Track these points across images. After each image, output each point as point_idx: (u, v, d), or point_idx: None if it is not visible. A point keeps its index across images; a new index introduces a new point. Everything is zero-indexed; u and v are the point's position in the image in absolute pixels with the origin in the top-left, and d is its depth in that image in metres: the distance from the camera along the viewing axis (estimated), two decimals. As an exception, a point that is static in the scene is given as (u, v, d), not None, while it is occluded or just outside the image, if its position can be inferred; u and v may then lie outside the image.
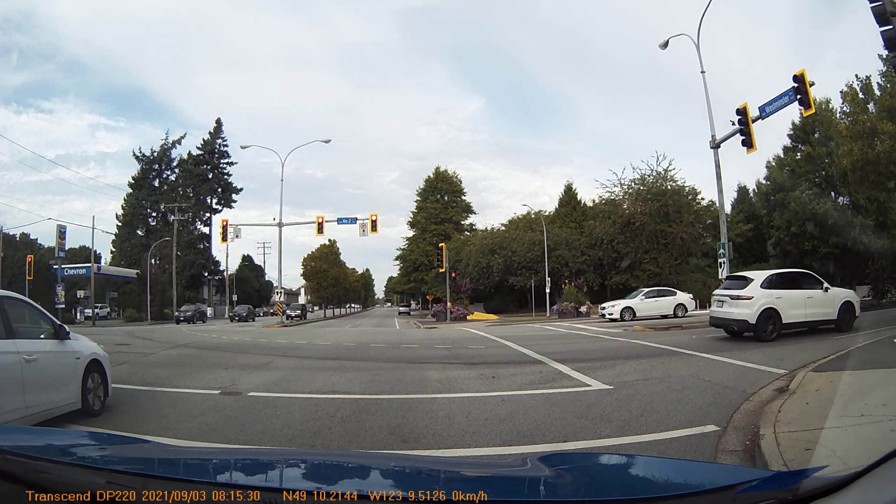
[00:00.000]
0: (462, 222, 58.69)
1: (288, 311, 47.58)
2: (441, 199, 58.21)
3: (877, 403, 4.85)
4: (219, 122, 67.95)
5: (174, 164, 65.92)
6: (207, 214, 66.12)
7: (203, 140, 67.11)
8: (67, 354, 6.17)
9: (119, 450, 2.34)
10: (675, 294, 27.62)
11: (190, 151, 66.42)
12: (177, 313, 45.26)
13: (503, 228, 48.90)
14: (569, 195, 52.03)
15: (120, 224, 63.69)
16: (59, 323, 6.31)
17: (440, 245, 42.48)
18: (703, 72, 22.28)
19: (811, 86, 17.60)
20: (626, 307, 26.38)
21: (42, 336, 5.99)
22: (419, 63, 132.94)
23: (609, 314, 26.37)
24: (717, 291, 14.61)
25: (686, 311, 26.68)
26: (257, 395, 7.80)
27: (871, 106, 19.97)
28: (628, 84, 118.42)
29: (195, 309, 46.61)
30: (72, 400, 6.00)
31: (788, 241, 40.47)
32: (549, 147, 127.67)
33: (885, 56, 17.78)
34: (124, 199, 63.85)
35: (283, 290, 40.37)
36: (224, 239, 36.97)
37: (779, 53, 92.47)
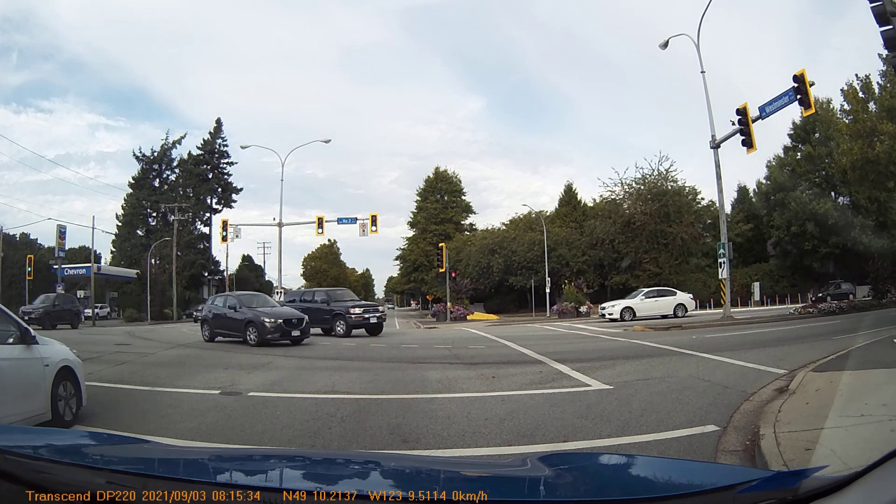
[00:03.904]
0: (462, 222, 58.77)
1: (195, 313, 37.30)
2: (441, 199, 58.29)
3: (877, 403, 4.85)
4: (219, 122, 67.86)
5: (174, 164, 65.88)
6: (207, 214, 66.07)
7: (203, 140, 67.04)
8: (34, 361, 5.65)
9: (119, 450, 2.34)
10: (675, 294, 27.65)
11: (190, 151, 66.37)
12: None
13: (503, 228, 48.94)
14: (569, 195, 52.11)
15: (120, 224, 63.67)
16: (24, 326, 5.81)
17: (440, 245, 42.49)
18: (703, 72, 22.32)
19: (811, 86, 17.65)
20: (626, 307, 26.39)
21: (7, 341, 5.47)
22: (420, 62, 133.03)
23: (609, 314, 26.38)
24: None
25: (686, 311, 26.70)
26: (257, 395, 7.80)
27: (871, 105, 19.98)
28: (629, 84, 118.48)
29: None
30: (40, 410, 5.51)
31: (788, 240, 40.53)
32: (549, 147, 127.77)
33: (885, 56, 17.77)
34: (124, 199, 63.82)
35: (283, 290, 40.31)
36: (224, 239, 36.96)
37: (779, 53, 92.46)
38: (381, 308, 22.89)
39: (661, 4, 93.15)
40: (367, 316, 20.62)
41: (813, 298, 35.11)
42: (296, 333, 16.12)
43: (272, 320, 15.81)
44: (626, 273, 40.49)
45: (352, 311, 20.32)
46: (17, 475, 1.55)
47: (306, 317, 17.15)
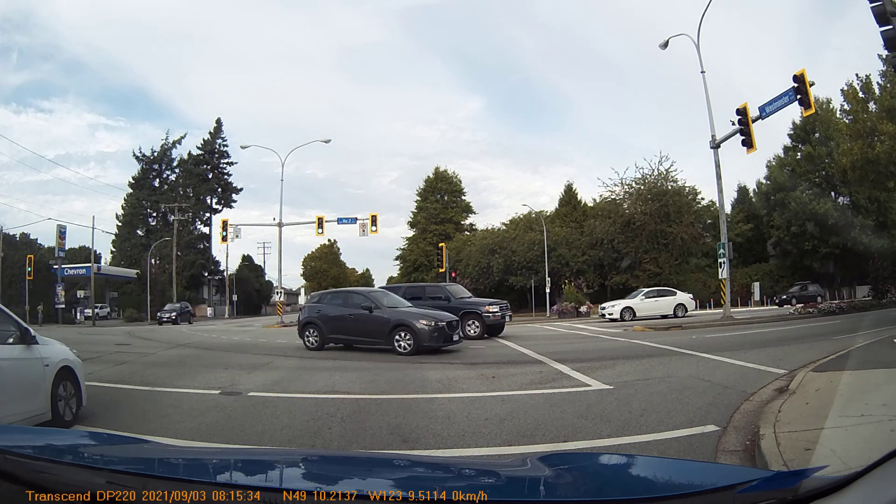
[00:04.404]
0: (462, 222, 58.86)
1: (159, 314, 40.71)
2: (441, 199, 58.38)
3: (877, 403, 4.85)
4: (219, 122, 68.02)
5: (174, 164, 65.99)
6: (207, 214, 66.16)
7: (203, 140, 67.19)
8: (34, 361, 5.65)
9: (119, 450, 2.34)
10: (674, 294, 27.68)
11: (190, 151, 66.52)
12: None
13: (503, 228, 48.96)
14: (569, 195, 52.14)
15: (120, 224, 63.73)
16: (24, 326, 5.81)
17: (440, 245, 42.56)
18: (703, 72, 22.33)
19: (811, 86, 17.65)
20: (626, 307, 26.41)
21: (8, 341, 5.47)
22: (420, 62, 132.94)
23: (609, 314, 26.39)
24: None
25: (686, 311, 26.72)
26: (257, 395, 7.80)
27: (871, 105, 19.99)
28: (629, 84, 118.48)
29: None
30: (40, 410, 5.51)
31: (788, 240, 40.56)
32: (549, 147, 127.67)
33: (885, 56, 17.78)
34: (124, 199, 63.91)
35: (283, 290, 40.38)
36: (224, 239, 36.99)
37: (779, 53, 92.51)
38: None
39: (661, 4, 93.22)
40: (501, 314, 18.55)
41: (777, 300, 35.16)
42: (455, 338, 13.34)
43: (430, 323, 12.74)
44: (626, 273, 40.49)
45: (489, 308, 18.13)
46: (17, 475, 1.56)
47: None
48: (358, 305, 13.88)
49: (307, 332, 14.47)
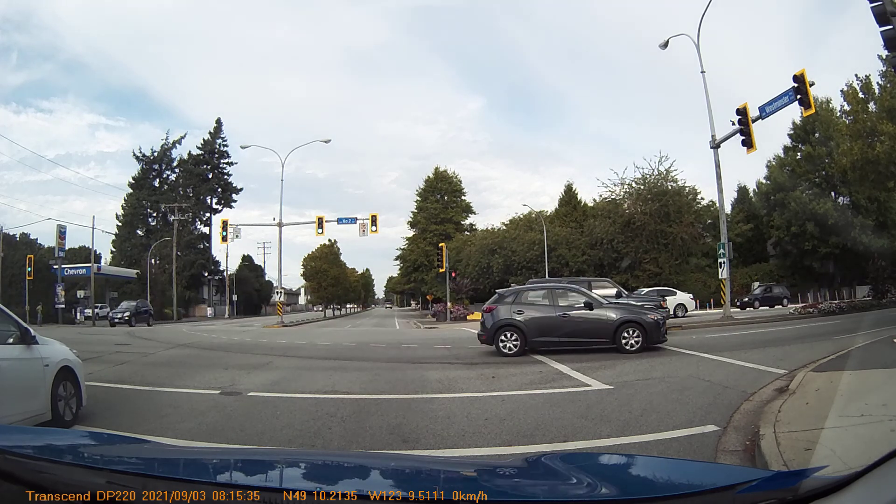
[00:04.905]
0: (462, 222, 58.80)
1: (111, 314, 35.15)
2: (441, 199, 58.34)
3: (877, 403, 4.85)
4: (219, 122, 68.02)
5: (174, 164, 65.96)
6: (207, 214, 66.15)
7: (203, 140, 67.19)
8: (34, 361, 5.65)
9: (119, 450, 2.34)
10: (675, 294, 27.64)
11: (190, 151, 66.53)
12: (111, 314, 35.72)
13: (503, 228, 48.92)
14: (569, 195, 52.08)
15: (120, 224, 63.69)
16: (24, 326, 5.82)
17: (440, 245, 42.51)
18: (702, 72, 22.30)
19: (811, 86, 17.63)
20: (627, 307, 26.33)
21: (8, 341, 5.48)
22: (420, 62, 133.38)
23: (609, 314, 26.32)
24: None
25: (686, 311, 26.70)
26: (257, 395, 7.81)
27: (871, 105, 19.99)
28: (629, 84, 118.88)
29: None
30: (40, 410, 5.51)
31: (788, 240, 40.54)
32: (549, 147, 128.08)
33: (884, 56, 17.78)
34: (124, 199, 63.87)
35: (283, 290, 40.36)
36: (224, 239, 36.93)
37: (780, 53, 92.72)
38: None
39: (661, 5, 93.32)
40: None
41: (739, 303, 34.89)
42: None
43: (655, 317, 12.09)
44: (626, 273, 40.43)
45: (664, 304, 17.03)
46: (17, 475, 1.56)
47: None
48: (572, 303, 12.40)
49: (503, 336, 12.34)
